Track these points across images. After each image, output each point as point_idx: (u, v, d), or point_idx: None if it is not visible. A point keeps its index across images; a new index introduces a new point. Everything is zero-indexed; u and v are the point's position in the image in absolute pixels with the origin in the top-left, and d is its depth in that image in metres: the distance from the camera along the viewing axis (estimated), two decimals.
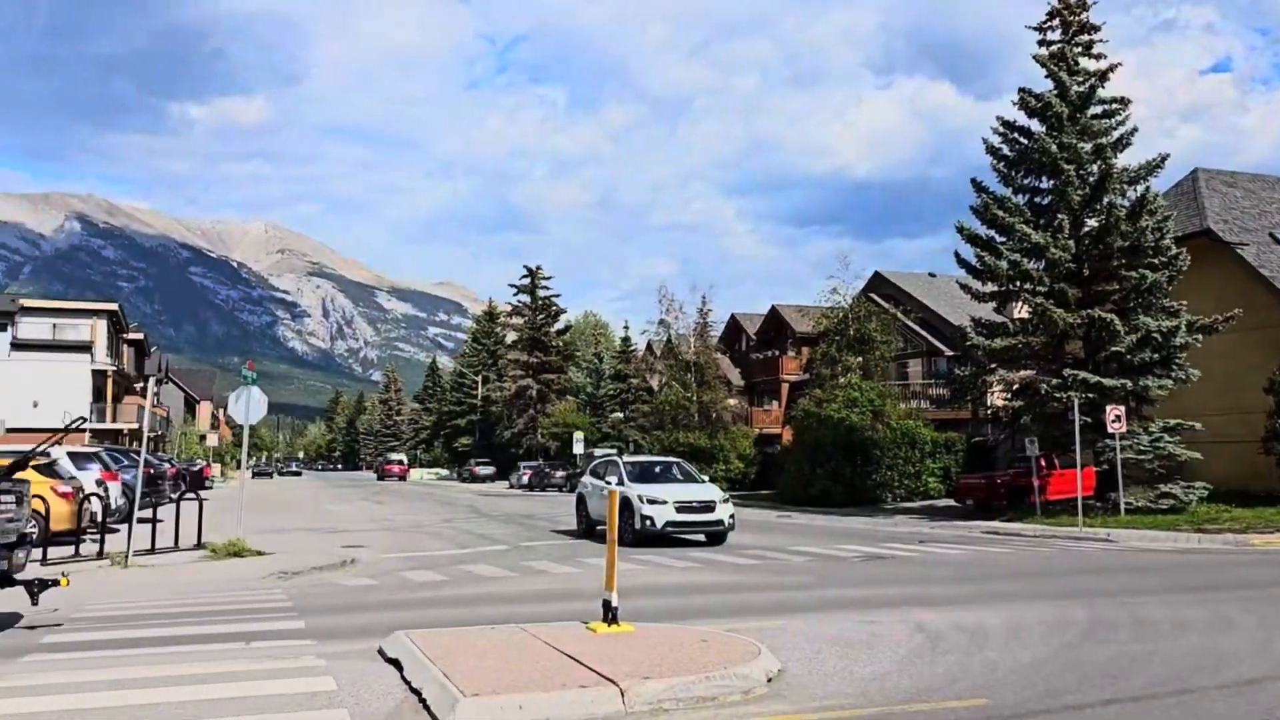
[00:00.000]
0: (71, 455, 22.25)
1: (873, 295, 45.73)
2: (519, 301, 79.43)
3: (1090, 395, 24.70)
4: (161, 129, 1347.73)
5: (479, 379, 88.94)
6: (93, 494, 17.73)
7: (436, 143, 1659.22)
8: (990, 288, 28.43)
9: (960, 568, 15.77)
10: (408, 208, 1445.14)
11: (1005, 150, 28.11)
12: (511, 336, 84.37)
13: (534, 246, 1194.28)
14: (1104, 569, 15.56)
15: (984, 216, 27.79)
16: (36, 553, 15.06)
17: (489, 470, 72.56)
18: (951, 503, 32.22)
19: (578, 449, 53.07)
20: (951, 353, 40.76)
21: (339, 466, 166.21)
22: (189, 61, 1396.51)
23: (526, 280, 78.88)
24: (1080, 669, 7.64)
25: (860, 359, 40.15)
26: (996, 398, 32.20)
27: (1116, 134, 27.19)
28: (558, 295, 79.19)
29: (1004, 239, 27.57)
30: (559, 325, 79.92)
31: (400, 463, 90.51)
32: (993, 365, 28.44)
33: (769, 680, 7.13)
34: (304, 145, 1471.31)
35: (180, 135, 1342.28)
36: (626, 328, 76.69)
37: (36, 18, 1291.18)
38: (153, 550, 16.35)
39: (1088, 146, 26.87)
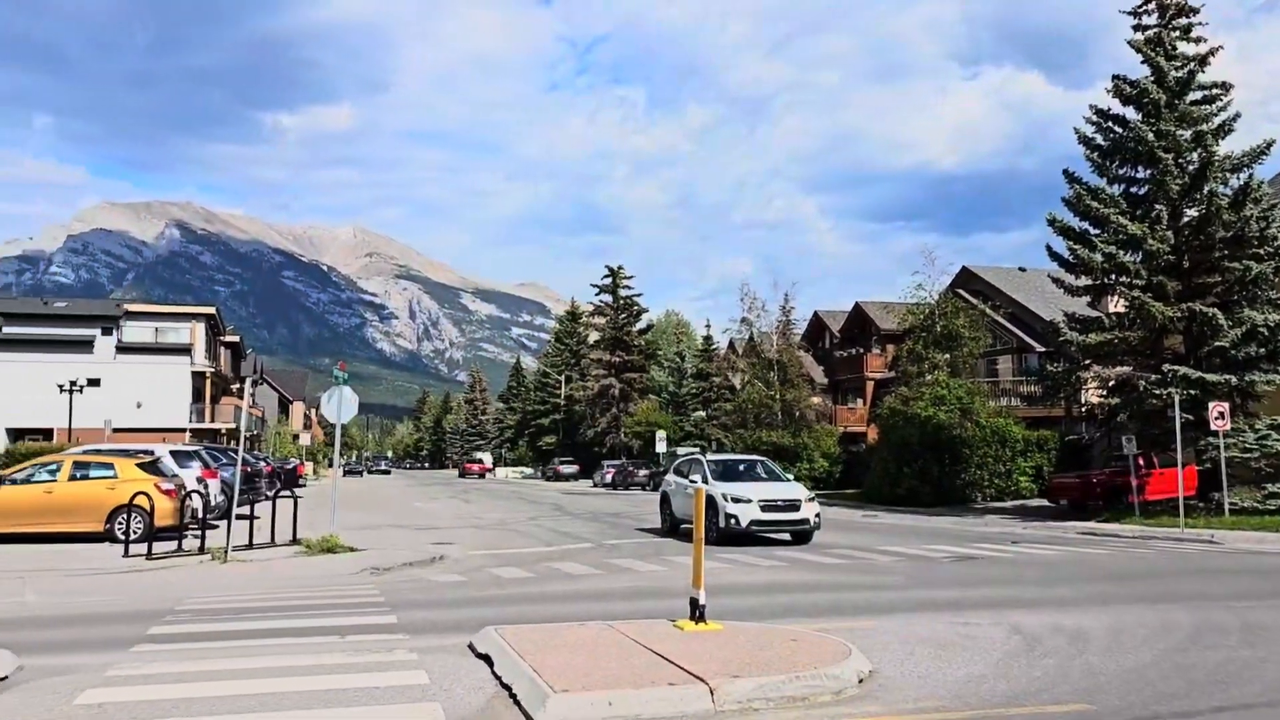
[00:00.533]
0: (174, 454, 23.11)
1: (960, 291, 44.83)
2: (601, 301, 79.87)
3: (1191, 392, 23.87)
4: (255, 138, 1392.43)
5: (562, 378, 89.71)
6: (194, 491, 18.35)
7: (518, 146, 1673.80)
8: (1084, 281, 27.70)
9: (1055, 569, 15.35)
10: (491, 210, 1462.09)
11: (1099, 140, 27.34)
12: (594, 336, 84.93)
13: (615, 247, 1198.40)
14: (1208, 571, 14.99)
15: (1077, 208, 27.07)
16: (142, 547, 15.73)
17: (573, 469, 73.22)
18: (1044, 503, 31.46)
19: (660, 447, 53.10)
20: (1043, 349, 39.71)
21: (426, 465, 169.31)
22: (279, 72, 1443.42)
23: (608, 280, 79.25)
24: (1188, 675, 7.35)
25: (947, 356, 39.46)
26: (1091, 394, 31.30)
27: (1218, 120, 26.25)
28: (639, 294, 79.50)
29: (1098, 231, 26.82)
30: (641, 324, 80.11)
31: (480, 462, 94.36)
32: (1087, 361, 27.69)
33: (860, 681, 7.03)
34: (389, 150, 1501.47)
35: (272, 144, 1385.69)
36: (708, 326, 76.72)
37: (141, 34, 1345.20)
38: (250, 546, 16.87)
39: (1186, 134, 25.98)
